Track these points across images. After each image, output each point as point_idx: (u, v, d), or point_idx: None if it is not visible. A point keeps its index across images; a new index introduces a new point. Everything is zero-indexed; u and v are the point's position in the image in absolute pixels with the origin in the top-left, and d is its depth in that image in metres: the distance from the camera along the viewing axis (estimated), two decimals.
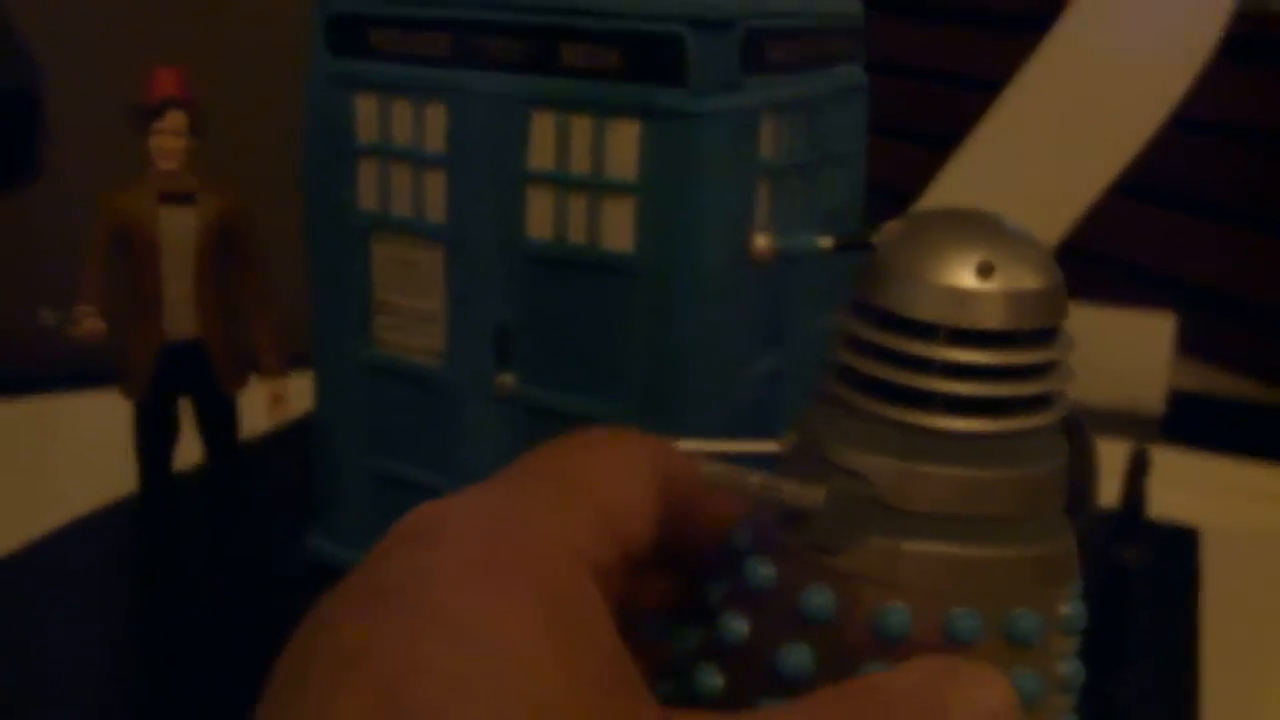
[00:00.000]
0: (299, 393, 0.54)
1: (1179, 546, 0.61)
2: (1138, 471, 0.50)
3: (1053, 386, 0.27)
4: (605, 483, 0.27)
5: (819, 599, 0.26)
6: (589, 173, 0.45)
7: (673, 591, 0.30)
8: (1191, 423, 0.79)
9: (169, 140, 0.51)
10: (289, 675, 0.21)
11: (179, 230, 0.52)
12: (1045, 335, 0.27)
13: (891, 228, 0.28)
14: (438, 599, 0.21)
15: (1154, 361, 0.80)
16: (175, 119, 0.51)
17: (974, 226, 0.27)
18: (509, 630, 0.21)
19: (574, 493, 0.26)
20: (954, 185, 0.83)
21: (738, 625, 0.28)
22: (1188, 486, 0.67)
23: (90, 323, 0.50)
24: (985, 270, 0.26)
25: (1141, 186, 0.81)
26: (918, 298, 0.26)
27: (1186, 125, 0.78)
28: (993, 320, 0.26)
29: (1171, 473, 0.59)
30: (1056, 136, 0.80)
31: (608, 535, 0.26)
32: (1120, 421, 0.77)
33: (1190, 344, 0.82)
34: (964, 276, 0.26)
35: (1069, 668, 0.27)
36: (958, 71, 1.15)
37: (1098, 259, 0.97)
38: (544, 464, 0.27)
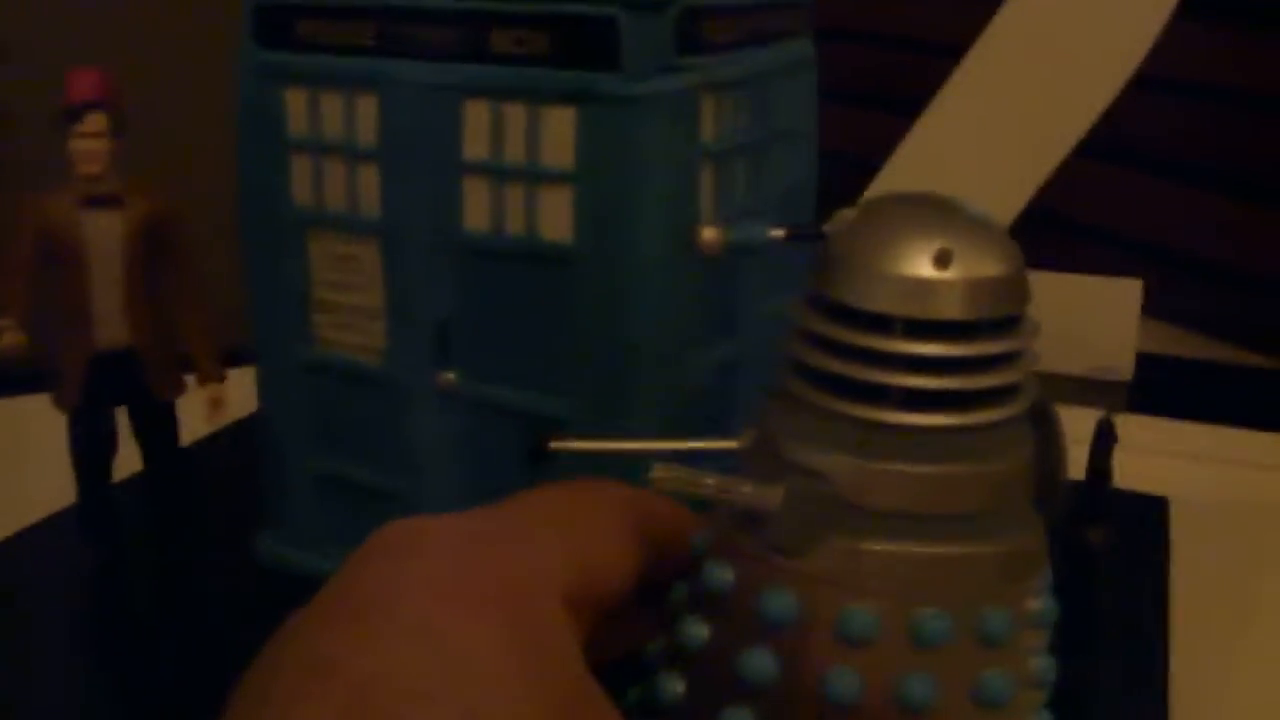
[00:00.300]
0: (242, 389, 0.53)
1: (1148, 516, 0.60)
2: (1103, 442, 0.50)
3: (1017, 376, 0.26)
4: (584, 538, 0.27)
5: (779, 602, 0.25)
6: (524, 162, 0.43)
7: (654, 629, 0.30)
8: (1160, 388, 0.79)
9: (90, 143, 0.48)
10: (257, 682, 0.22)
11: (105, 235, 0.49)
12: (1008, 324, 0.25)
13: (844, 216, 0.27)
14: (408, 612, 0.22)
15: (1122, 329, 0.80)
16: (95, 121, 0.48)
17: (930, 213, 0.26)
18: (476, 645, 0.21)
19: (545, 534, 0.26)
20: (916, 152, 0.82)
21: (697, 630, 0.27)
22: (1157, 454, 0.67)
23: (10, 336, 0.48)
24: (943, 259, 0.25)
25: (1105, 149, 0.80)
26: (873, 289, 0.25)
27: (1149, 85, 0.77)
28: (952, 310, 0.25)
29: (1140, 440, 0.59)
30: (1020, 100, 0.79)
31: (578, 573, 0.26)
32: (1088, 389, 0.77)
33: (1156, 307, 0.82)
34: (921, 266, 0.25)
35: (1040, 663, 0.26)
36: (919, 38, 1.14)
37: (1062, 223, 0.96)
38: (525, 506, 0.27)
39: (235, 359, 0.53)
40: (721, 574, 0.27)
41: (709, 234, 0.29)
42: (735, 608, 0.27)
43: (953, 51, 0.82)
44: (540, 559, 0.25)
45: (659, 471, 0.26)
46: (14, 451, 0.67)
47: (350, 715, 0.20)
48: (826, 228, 0.27)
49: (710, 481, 0.26)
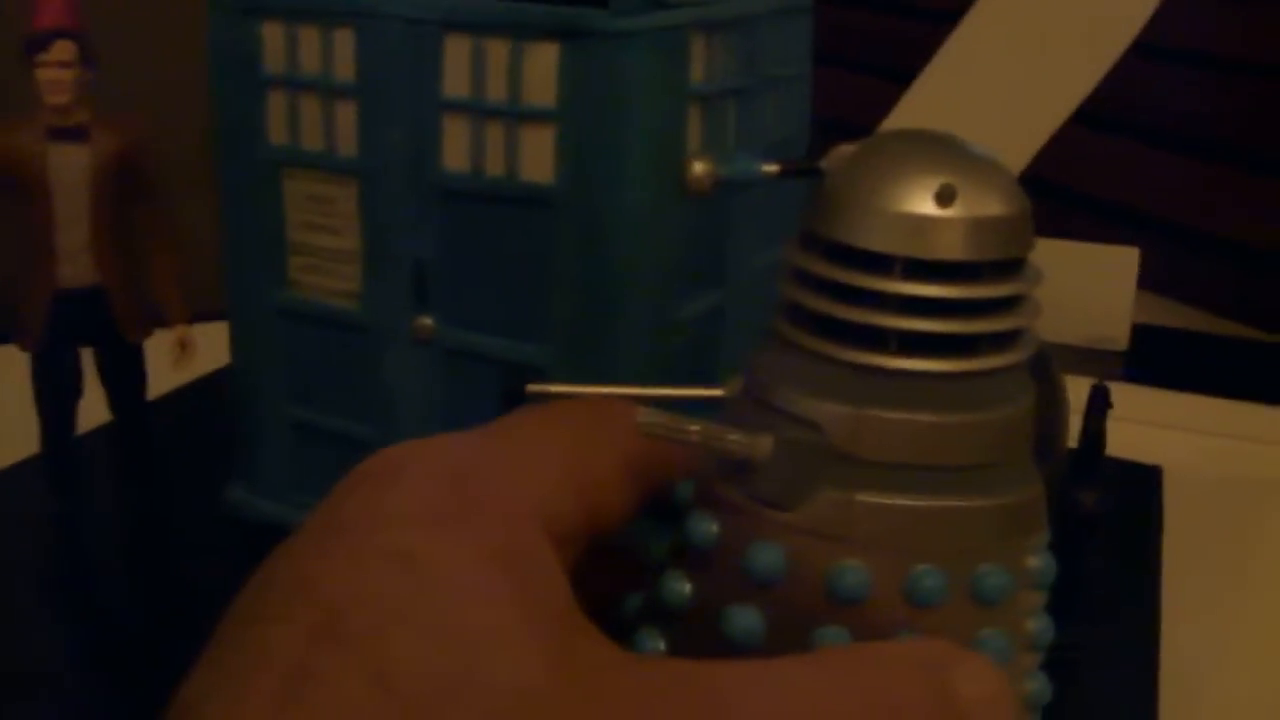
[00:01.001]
0: (211, 346, 0.51)
1: (1142, 485, 0.60)
2: (1096, 409, 0.48)
3: (1019, 322, 0.24)
4: (574, 449, 0.26)
5: (767, 557, 0.24)
6: (506, 100, 0.42)
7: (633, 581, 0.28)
8: (1155, 358, 0.78)
9: (56, 72, 0.46)
10: (243, 604, 0.22)
11: (71, 169, 0.48)
12: (1011, 266, 0.24)
13: (842, 151, 0.25)
14: (388, 537, 0.22)
15: (1118, 297, 0.79)
16: (63, 49, 0.46)
17: (933, 149, 0.24)
18: (455, 569, 0.21)
19: (541, 454, 0.25)
20: (910, 117, 0.80)
21: (680, 586, 0.26)
22: (1151, 424, 0.66)
23: None
24: (945, 196, 0.23)
25: (1103, 118, 0.79)
26: (871, 227, 0.23)
27: (1147, 53, 0.76)
28: (954, 251, 0.23)
29: (1135, 410, 0.58)
30: (1016, 66, 0.78)
31: (573, 498, 0.25)
32: (1084, 358, 0.76)
33: (1152, 278, 0.81)
34: (922, 203, 0.23)
35: (1037, 624, 0.25)
36: (916, 4, 1.12)
37: (1057, 191, 0.95)
38: (514, 427, 0.26)
39: (204, 316, 0.52)
40: (706, 526, 0.25)
41: (699, 167, 0.27)
42: (720, 562, 0.25)
43: (950, 18, 0.80)
44: (528, 486, 0.24)
45: (643, 416, 0.25)
46: None
47: (321, 636, 0.20)
48: (823, 164, 0.25)
49: (696, 428, 0.25)
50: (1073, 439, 0.50)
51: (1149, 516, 0.57)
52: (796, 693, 0.21)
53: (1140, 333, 0.79)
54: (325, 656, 0.20)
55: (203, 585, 0.46)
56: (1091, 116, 0.77)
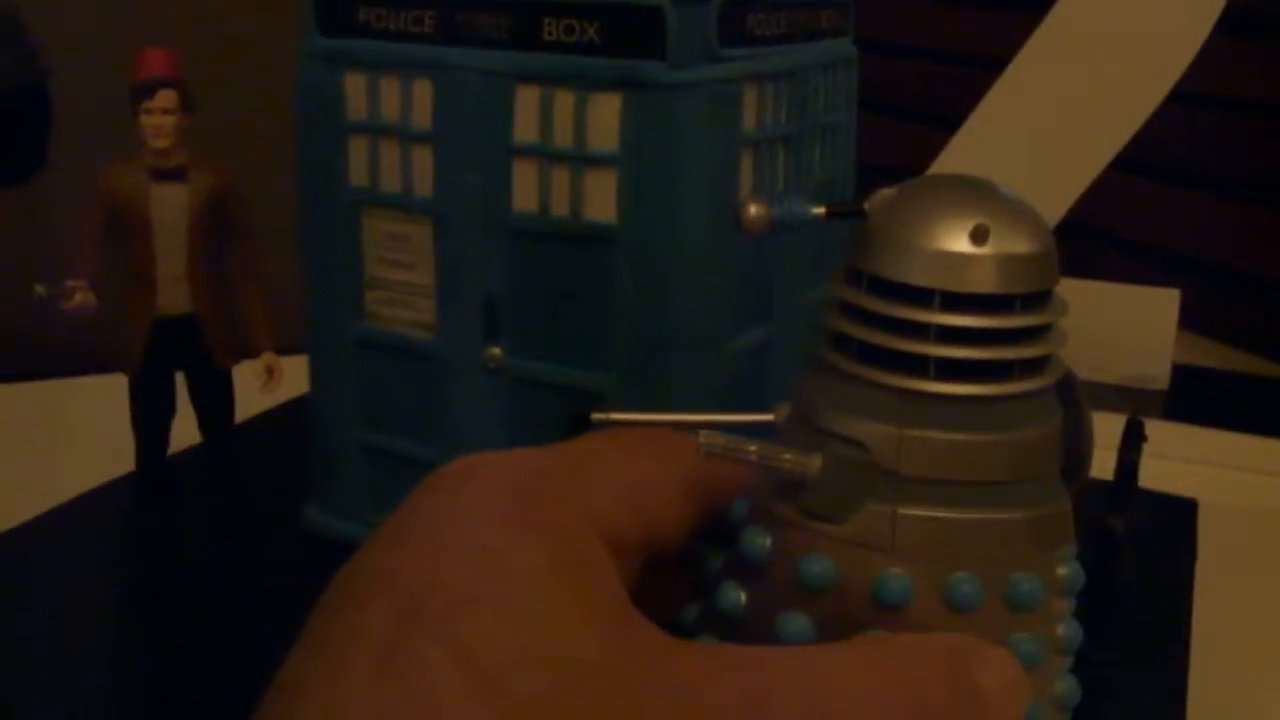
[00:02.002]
0: (293, 376, 0.53)
1: (1177, 516, 0.60)
2: (1131, 441, 0.49)
3: (1047, 350, 0.26)
4: (633, 467, 0.28)
5: (817, 567, 0.26)
6: (572, 146, 0.44)
7: (689, 595, 0.30)
8: (1196, 398, 0.78)
9: (159, 119, 0.49)
10: (327, 601, 0.23)
11: (170, 206, 0.50)
12: (1039, 299, 0.26)
13: (884, 194, 0.27)
14: (461, 532, 0.24)
15: (1159, 338, 0.79)
16: (165, 97, 0.49)
17: (967, 192, 0.26)
18: (525, 562, 0.23)
19: (602, 472, 0.27)
20: (955, 164, 0.81)
21: (735, 595, 0.27)
22: (1189, 461, 0.66)
23: (81, 296, 0.49)
24: (979, 235, 0.25)
25: (1142, 162, 0.79)
26: (912, 263, 0.25)
27: (1186, 99, 0.76)
28: (987, 284, 0.25)
29: (1173, 447, 0.58)
30: (1058, 113, 0.78)
31: (630, 512, 0.26)
32: (1126, 397, 0.76)
33: (1192, 319, 0.81)
34: (958, 241, 0.25)
35: (1067, 629, 0.26)
36: (959, 51, 1.13)
37: (1099, 235, 0.95)
38: (578, 446, 0.28)
39: (290, 349, 0.54)
40: (760, 540, 0.27)
41: (753, 209, 0.29)
42: (773, 574, 0.27)
43: (994, 65, 0.81)
44: (591, 497, 0.26)
45: (705, 437, 0.26)
46: (70, 428, 0.67)
47: (404, 619, 0.22)
48: (866, 205, 0.27)
49: (752, 448, 0.26)
50: (1109, 471, 0.51)
51: (1183, 546, 0.57)
52: (831, 673, 0.23)
53: (1181, 372, 0.80)
54: (411, 635, 0.21)
55: (281, 598, 0.47)
56: (1131, 161, 0.78)
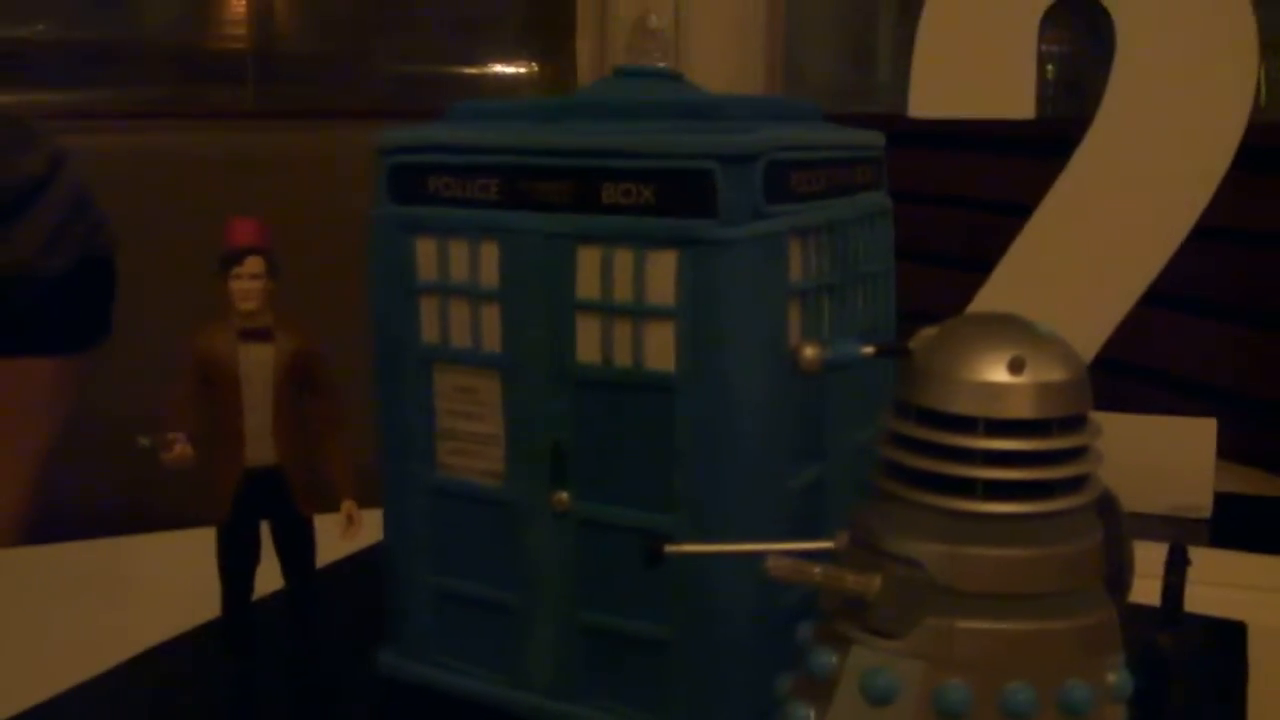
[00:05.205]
0: (369, 525, 0.55)
1: (1226, 639, 0.60)
2: (1176, 564, 0.50)
3: (1085, 468, 0.28)
4: None
5: (881, 681, 0.27)
6: (631, 300, 0.46)
7: None
8: (1239, 524, 0.78)
9: (248, 284, 0.52)
10: None
11: (258, 364, 0.53)
12: (1075, 422, 0.27)
13: (927, 334, 0.29)
14: None
15: (1199, 467, 0.79)
16: (253, 264, 0.52)
17: (1003, 327, 0.28)
18: None
19: None
20: (990, 305, 0.82)
21: (803, 713, 0.29)
22: (1236, 586, 0.66)
23: (181, 449, 0.52)
24: (1017, 366, 0.27)
25: (1169, 295, 0.80)
26: (956, 394, 0.27)
27: (1209, 234, 0.78)
28: (1026, 410, 0.27)
29: (1220, 573, 0.58)
30: (1087, 254, 0.80)
31: None
32: (1170, 527, 0.76)
33: (1229, 448, 0.81)
34: (997, 372, 0.27)
35: None
36: (989, 197, 1.15)
37: (1133, 369, 0.96)
38: None
39: (365, 501, 0.56)
40: (827, 659, 0.28)
41: (809, 351, 0.31)
42: (840, 689, 0.28)
43: (1022, 211, 0.83)
44: None
45: (774, 561, 0.28)
46: (161, 579, 0.70)
47: None
48: (911, 344, 0.29)
49: (817, 570, 0.28)
50: (1156, 597, 0.51)
51: (1233, 668, 0.56)
52: None
53: (1223, 500, 0.80)
54: None
55: None
56: (1161, 295, 0.79)
